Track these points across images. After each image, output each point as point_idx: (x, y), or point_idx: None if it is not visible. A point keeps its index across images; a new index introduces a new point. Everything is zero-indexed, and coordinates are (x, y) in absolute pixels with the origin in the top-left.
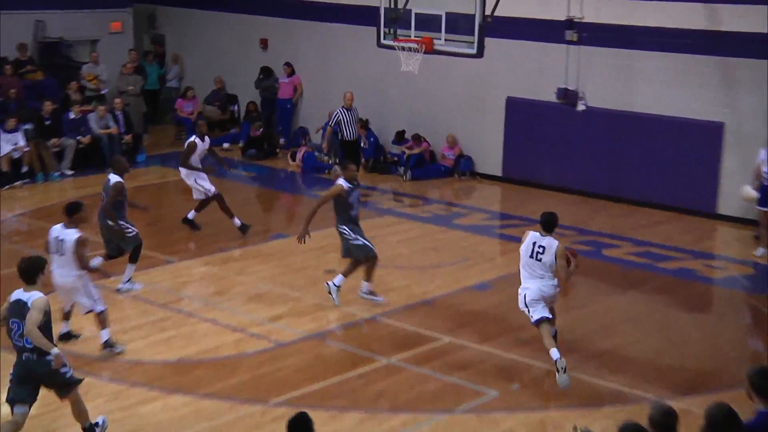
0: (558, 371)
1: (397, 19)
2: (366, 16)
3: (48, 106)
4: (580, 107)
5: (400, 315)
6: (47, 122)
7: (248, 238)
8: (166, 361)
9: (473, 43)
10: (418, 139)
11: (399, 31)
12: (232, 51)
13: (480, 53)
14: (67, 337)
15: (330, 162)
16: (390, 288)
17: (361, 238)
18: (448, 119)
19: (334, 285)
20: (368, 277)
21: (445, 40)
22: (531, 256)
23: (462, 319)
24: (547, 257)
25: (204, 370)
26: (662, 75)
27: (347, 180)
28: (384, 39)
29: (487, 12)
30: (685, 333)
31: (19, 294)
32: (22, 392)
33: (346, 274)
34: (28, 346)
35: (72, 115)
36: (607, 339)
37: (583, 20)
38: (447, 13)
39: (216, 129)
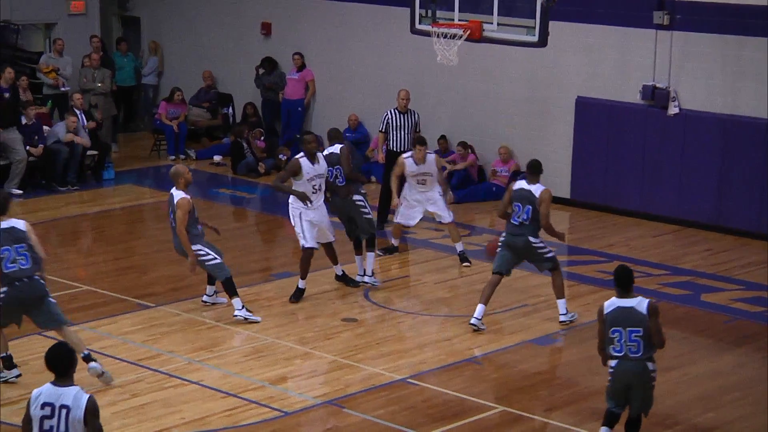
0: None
1: None
2: None
3: None
4: (672, 110)
5: (438, 377)
6: None
7: (244, 276)
8: None
9: (534, 28)
10: (464, 150)
11: (439, 13)
12: (226, 38)
13: (543, 41)
14: None
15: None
16: (426, 342)
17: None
18: (500, 126)
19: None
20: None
21: (499, 24)
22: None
23: (519, 383)
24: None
25: None
26: None
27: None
28: (420, 23)
29: None
30: None
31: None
32: None
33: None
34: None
35: (24, 120)
36: (708, 412)
37: None
38: None
39: (204, 138)
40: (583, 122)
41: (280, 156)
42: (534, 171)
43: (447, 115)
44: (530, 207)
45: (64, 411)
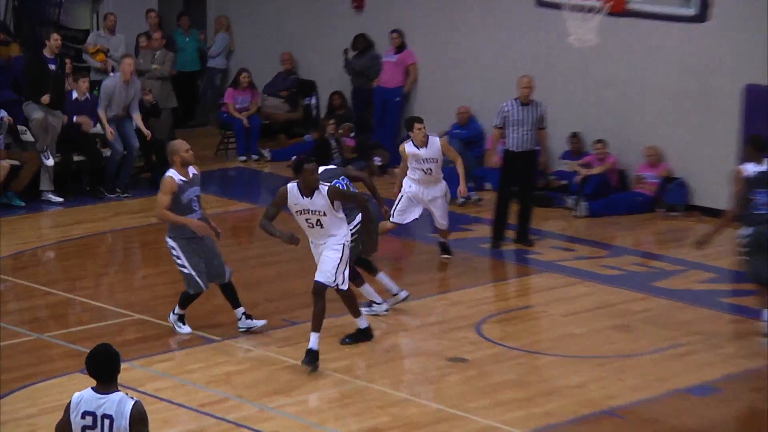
0: None
1: None
2: None
3: None
4: None
5: (570, 431)
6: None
7: (328, 304)
8: None
9: (690, 0)
10: (601, 150)
11: None
12: (308, 13)
13: (702, 16)
14: None
15: (470, 185)
16: (553, 389)
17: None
18: (647, 122)
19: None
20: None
21: None
22: None
23: None
24: None
25: None
26: None
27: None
28: None
29: None
30: None
31: None
32: None
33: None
34: None
35: (76, 95)
36: None
37: None
38: None
39: (281, 134)
40: (752, 117)
41: (375, 159)
42: (762, 146)
43: (579, 107)
44: None
45: (107, 421)
